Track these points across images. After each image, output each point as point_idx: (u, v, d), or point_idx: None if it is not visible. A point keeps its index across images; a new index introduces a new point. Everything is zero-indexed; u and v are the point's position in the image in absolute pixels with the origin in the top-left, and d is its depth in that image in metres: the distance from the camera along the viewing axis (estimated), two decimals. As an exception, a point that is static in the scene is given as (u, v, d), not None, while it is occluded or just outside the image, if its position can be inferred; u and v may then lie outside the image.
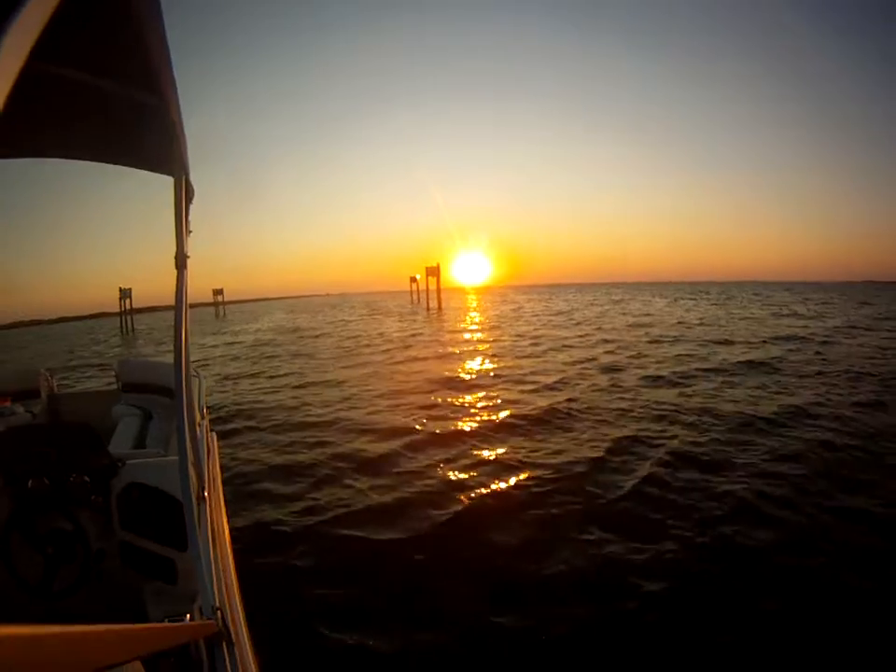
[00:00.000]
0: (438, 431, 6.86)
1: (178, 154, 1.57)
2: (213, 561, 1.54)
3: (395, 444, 6.24)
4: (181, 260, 1.71)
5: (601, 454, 5.67)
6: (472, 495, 4.75)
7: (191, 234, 1.84)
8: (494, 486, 4.94)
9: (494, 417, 7.53)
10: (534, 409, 7.81)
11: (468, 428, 6.99)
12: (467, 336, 20.35)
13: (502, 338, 18.96)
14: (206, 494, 1.95)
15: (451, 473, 5.32)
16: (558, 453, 5.79)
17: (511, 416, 7.47)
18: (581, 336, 18.08)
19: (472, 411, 8.10)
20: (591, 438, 6.34)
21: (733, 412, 7.32)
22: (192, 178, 1.84)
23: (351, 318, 35.73)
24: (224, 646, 1.32)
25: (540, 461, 5.51)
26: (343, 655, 2.82)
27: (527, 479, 5.04)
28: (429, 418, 7.56)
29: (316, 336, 22.77)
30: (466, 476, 5.23)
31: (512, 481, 5.03)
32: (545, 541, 3.87)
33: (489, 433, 6.73)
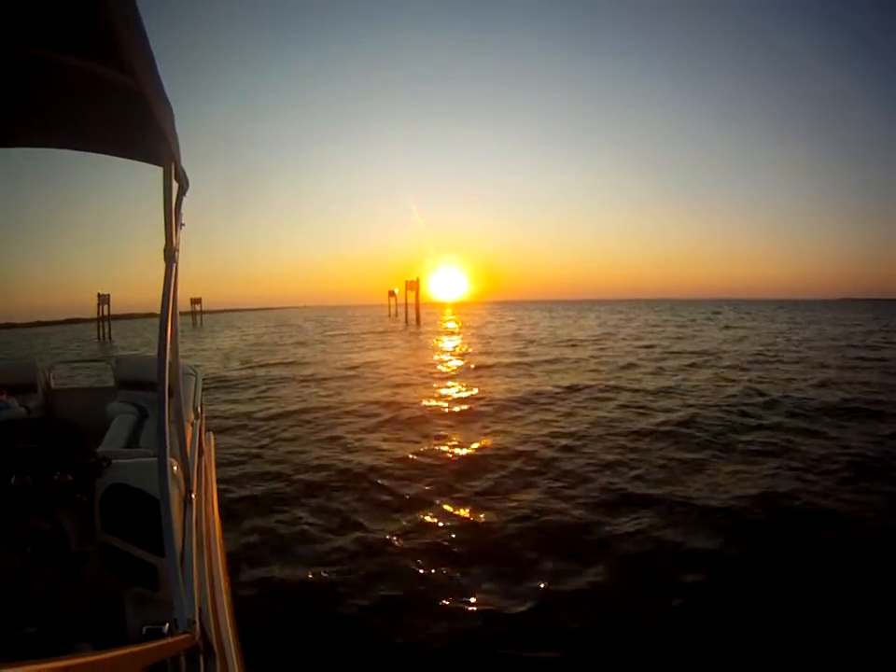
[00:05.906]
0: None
1: (165, 141, 1.49)
2: (196, 568, 1.48)
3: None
4: (170, 253, 1.65)
5: None
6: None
7: (184, 227, 1.78)
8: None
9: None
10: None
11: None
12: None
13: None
14: (193, 496, 1.89)
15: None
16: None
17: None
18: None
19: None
20: None
21: None
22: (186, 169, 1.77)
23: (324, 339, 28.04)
24: (202, 660, 1.28)
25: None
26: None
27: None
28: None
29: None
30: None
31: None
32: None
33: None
